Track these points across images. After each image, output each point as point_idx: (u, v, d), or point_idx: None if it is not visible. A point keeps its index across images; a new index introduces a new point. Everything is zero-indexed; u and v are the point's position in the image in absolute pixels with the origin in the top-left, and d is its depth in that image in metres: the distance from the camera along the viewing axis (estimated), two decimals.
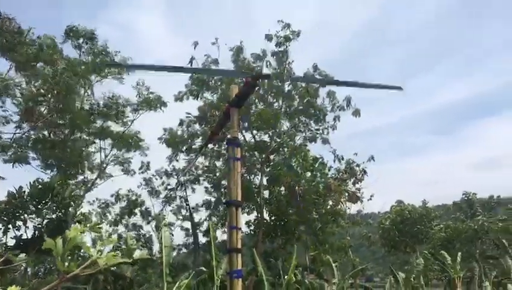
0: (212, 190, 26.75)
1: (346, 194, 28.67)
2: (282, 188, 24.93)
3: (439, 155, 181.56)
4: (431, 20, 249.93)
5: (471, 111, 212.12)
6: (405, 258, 41.60)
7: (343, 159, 27.22)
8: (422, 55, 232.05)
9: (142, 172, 29.55)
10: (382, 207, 49.77)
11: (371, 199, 32.26)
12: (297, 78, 25.30)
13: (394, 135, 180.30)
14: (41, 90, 22.84)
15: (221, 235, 26.85)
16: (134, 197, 29.99)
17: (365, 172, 30.18)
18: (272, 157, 25.89)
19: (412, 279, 27.34)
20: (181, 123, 26.23)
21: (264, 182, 25.25)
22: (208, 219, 27.68)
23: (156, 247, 29.34)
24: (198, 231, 28.22)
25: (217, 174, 26.09)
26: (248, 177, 25.47)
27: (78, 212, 24.59)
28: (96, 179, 27.10)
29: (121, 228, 29.66)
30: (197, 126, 26.47)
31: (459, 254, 30.01)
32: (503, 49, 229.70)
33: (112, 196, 29.41)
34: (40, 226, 21.56)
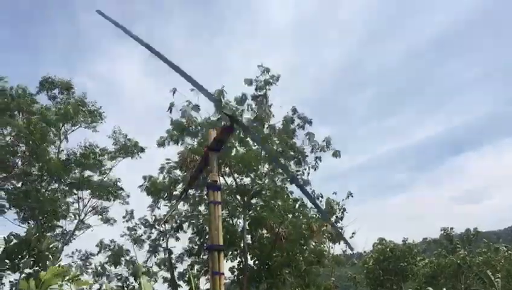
0: (196, 237, 26.30)
1: (328, 234, 28.72)
2: (265, 231, 24.75)
3: (419, 191, 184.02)
4: (402, 61, 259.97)
5: (449, 146, 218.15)
6: None
7: (322, 196, 27.47)
8: (396, 94, 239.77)
9: (127, 221, 29.10)
10: (365, 246, 49.68)
11: (352, 237, 32.47)
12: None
13: (374, 172, 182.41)
14: (14, 141, 22.63)
15: (205, 283, 26.26)
16: (117, 247, 29.31)
17: (344, 210, 30.54)
18: (253, 200, 25.85)
19: None
20: (162, 169, 26.07)
21: (247, 226, 25.06)
22: (190, 267, 27.05)
23: None
24: (182, 280, 27.57)
25: (201, 220, 25.74)
26: (231, 222, 25.26)
27: (56, 266, 23.76)
28: (74, 230, 26.48)
29: (103, 280, 28.77)
30: (177, 172, 26.32)
31: (444, 289, 30.03)
32: (474, 85, 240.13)
33: (96, 245, 28.77)
34: (16, 282, 20.75)
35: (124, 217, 29.09)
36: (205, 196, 25.14)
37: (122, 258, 29.21)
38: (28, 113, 23.52)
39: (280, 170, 24.29)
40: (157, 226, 28.64)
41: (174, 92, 25.02)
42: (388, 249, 44.39)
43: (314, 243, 26.54)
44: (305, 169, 25.90)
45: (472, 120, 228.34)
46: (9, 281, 20.59)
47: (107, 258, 29.00)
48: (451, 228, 50.43)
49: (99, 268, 28.78)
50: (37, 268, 24.30)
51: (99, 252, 29.13)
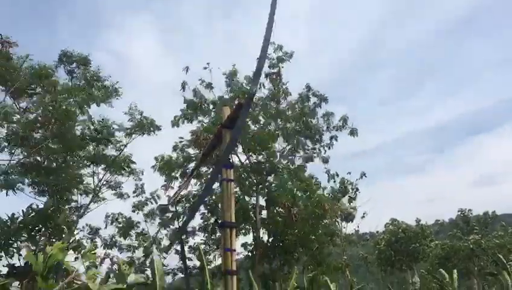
0: (209, 214, 26.50)
1: (340, 213, 28.92)
2: (280, 209, 24.86)
3: (435, 173, 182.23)
4: (422, 41, 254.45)
5: (466, 129, 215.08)
6: (403, 277, 41.53)
7: (337, 175, 27.50)
8: (414, 75, 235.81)
9: (137, 195, 29.33)
10: (377, 226, 49.84)
11: (364, 217, 32.72)
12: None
13: (390, 153, 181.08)
14: (39, 118, 22.83)
15: (217, 258, 26.59)
16: (126, 220, 29.60)
17: (357, 189, 30.72)
18: (269, 178, 25.91)
19: None
20: (175, 148, 26.14)
21: (262, 202, 25.18)
22: (204, 242, 27.37)
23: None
24: (193, 254, 27.85)
25: (213, 197, 25.89)
26: (244, 199, 25.37)
27: (72, 239, 24.27)
28: (89, 203, 26.85)
29: (114, 252, 29.18)
30: (190, 150, 26.41)
31: (455, 270, 30.06)
32: (494, 67, 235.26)
33: (107, 217, 29.02)
34: (33, 253, 21.22)
35: (134, 192, 29.28)
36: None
37: (133, 231, 29.49)
38: (50, 92, 23.65)
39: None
40: (170, 207, 28.78)
41: (186, 71, 25.02)
42: (400, 230, 44.46)
43: (326, 222, 26.59)
44: (322, 146, 25.81)
45: (492, 102, 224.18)
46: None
47: (116, 230, 29.28)
48: (469, 210, 50.26)
49: (108, 242, 29.18)
50: (54, 241, 24.87)
51: (107, 225, 29.41)
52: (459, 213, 49.80)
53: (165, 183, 27.41)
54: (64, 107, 22.44)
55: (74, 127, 24.71)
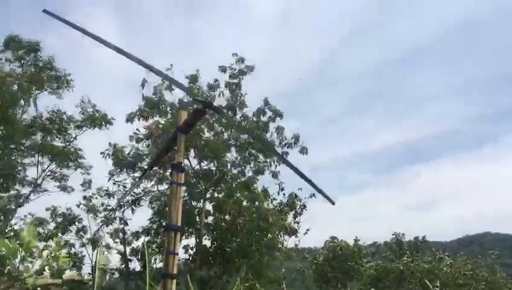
0: (156, 217, 26.06)
1: (284, 227, 29.50)
2: (227, 216, 24.97)
3: (375, 195, 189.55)
4: (374, 67, 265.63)
5: (406, 155, 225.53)
6: None
7: (282, 190, 27.89)
8: (364, 98, 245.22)
9: (84, 190, 28.35)
10: (316, 242, 51.05)
11: (306, 233, 33.56)
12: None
13: (335, 171, 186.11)
14: None
15: (157, 263, 26.19)
16: (71, 215, 28.51)
17: (305, 207, 31.64)
18: (219, 186, 26.01)
19: None
20: (130, 138, 25.52)
21: (208, 207, 25.23)
22: (147, 245, 26.80)
23: (86, 269, 27.94)
24: (134, 257, 27.27)
25: (162, 198, 25.57)
26: (191, 203, 25.31)
27: (8, 227, 23.30)
28: (30, 193, 25.89)
29: (52, 245, 27.91)
30: (143, 145, 25.93)
31: None
32: (437, 98, 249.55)
33: (47, 210, 27.82)
34: None
35: (82, 185, 28.30)
36: (169, 176, 25.05)
37: (74, 226, 28.37)
38: None
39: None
40: (115, 197, 27.86)
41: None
42: (339, 248, 45.67)
43: (270, 237, 26.86)
44: (273, 161, 26.25)
45: (434, 132, 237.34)
46: None
47: (54, 224, 28.03)
48: (403, 234, 52.36)
49: (49, 234, 28.02)
50: None
51: (52, 218, 28.18)
52: (394, 236, 51.74)
53: (113, 170, 26.54)
54: (9, 92, 21.73)
55: (20, 113, 23.92)
